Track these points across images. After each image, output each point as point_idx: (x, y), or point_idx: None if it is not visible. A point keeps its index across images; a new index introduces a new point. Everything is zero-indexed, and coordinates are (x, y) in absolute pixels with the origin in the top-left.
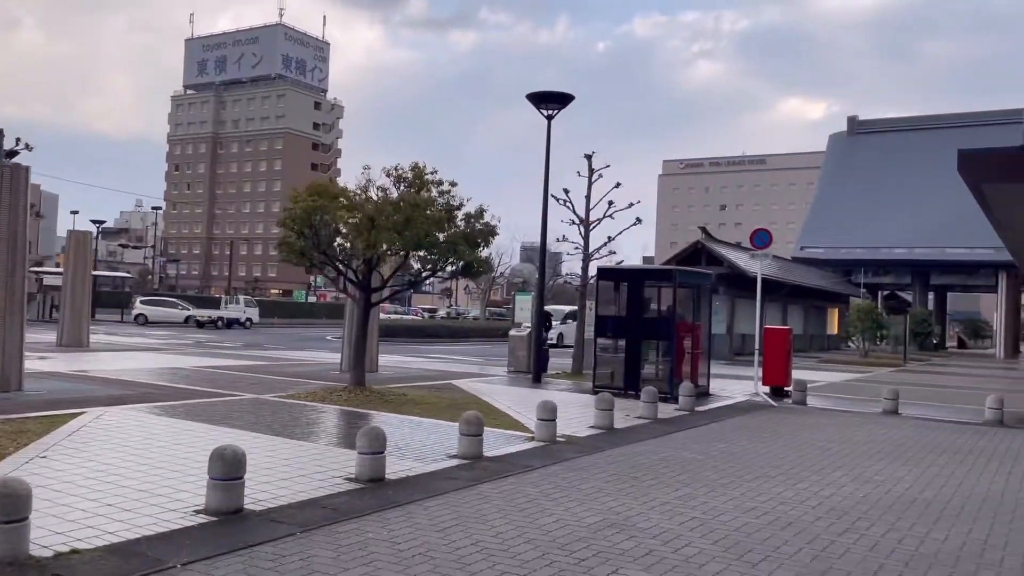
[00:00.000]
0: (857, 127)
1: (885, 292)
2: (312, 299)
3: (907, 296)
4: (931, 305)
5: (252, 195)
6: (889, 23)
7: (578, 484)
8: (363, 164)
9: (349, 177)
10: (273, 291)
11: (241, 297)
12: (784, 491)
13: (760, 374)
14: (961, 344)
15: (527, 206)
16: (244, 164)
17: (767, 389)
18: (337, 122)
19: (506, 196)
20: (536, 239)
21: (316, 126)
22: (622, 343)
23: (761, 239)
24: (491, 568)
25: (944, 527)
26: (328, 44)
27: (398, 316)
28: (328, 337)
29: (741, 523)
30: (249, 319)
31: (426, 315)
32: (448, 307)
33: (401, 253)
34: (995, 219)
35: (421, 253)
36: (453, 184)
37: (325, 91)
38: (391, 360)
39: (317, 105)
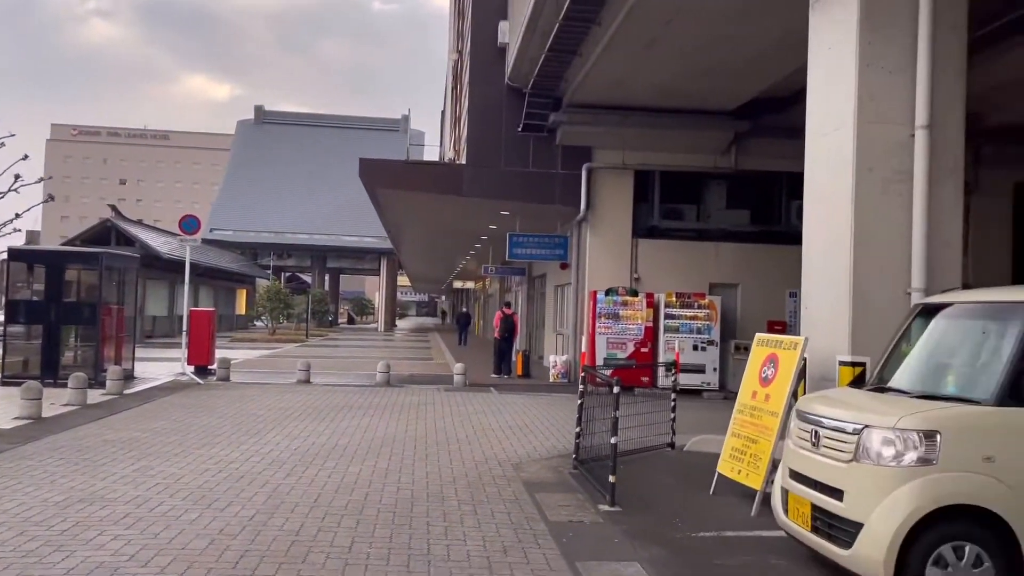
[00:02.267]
0: (264, 117)
1: (288, 274)
2: None
3: (308, 277)
4: (328, 285)
5: None
6: (291, 18)
7: (28, 472)
8: None
9: None
10: None
11: None
12: (231, 453)
13: (186, 354)
14: (350, 320)
15: None
16: None
17: (192, 368)
18: None
19: None
20: None
21: None
22: (38, 329)
23: (190, 225)
24: None
25: (358, 463)
26: None
27: None
28: None
29: (202, 481)
30: None
31: None
32: None
33: None
34: (384, 216)
35: None
36: None
37: None
38: None
39: None
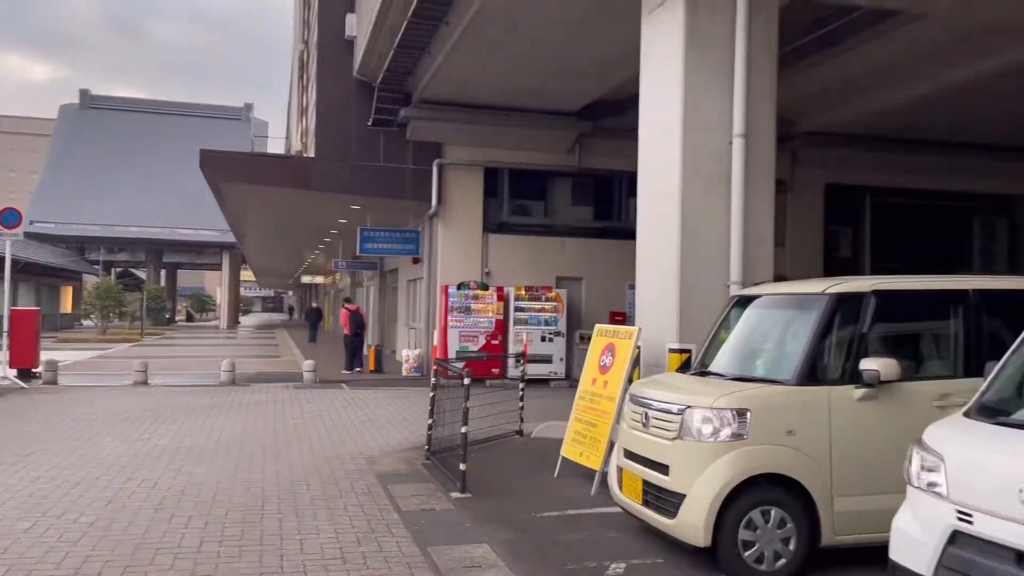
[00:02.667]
0: (90, 101)
1: (120, 269)
2: None
3: (142, 273)
4: (164, 281)
5: None
6: None
7: None
8: None
9: None
10: None
11: None
12: (64, 459)
13: (8, 357)
14: (189, 318)
15: None
16: None
17: (15, 372)
18: None
19: None
20: None
21: None
22: None
23: (10, 218)
24: None
25: (204, 464)
26: None
27: None
28: None
29: (33, 490)
30: None
31: None
32: None
33: None
34: (226, 209)
35: None
36: None
37: None
38: None
39: None
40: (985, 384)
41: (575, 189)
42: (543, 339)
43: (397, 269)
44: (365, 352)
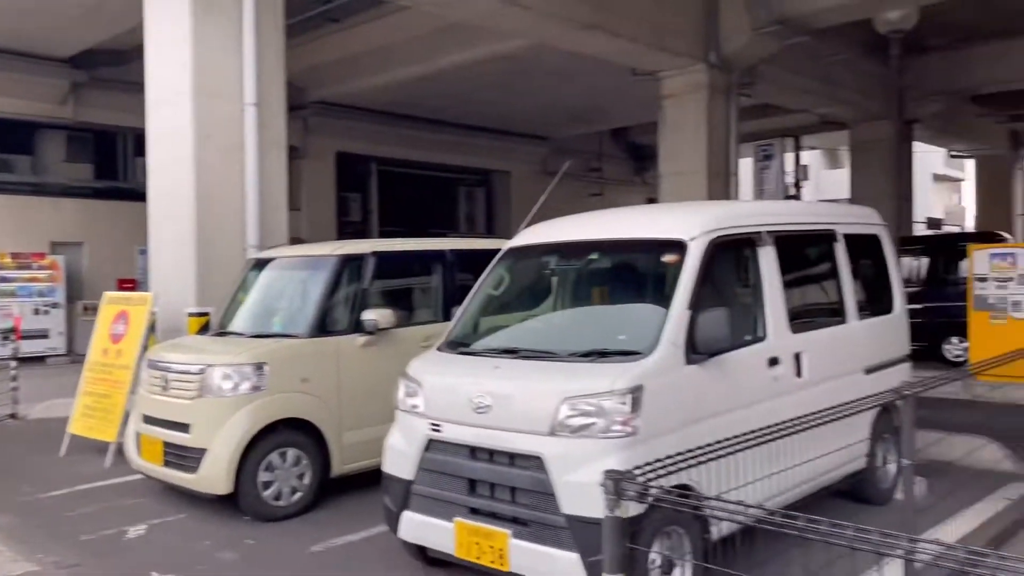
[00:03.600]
0: None
1: None
2: None
3: None
4: None
5: None
6: None
7: None
8: None
9: None
10: None
11: None
12: None
13: None
14: None
15: None
16: None
17: None
18: None
19: None
20: None
21: None
22: None
23: None
24: None
25: None
26: None
27: None
28: None
29: None
30: None
31: None
32: None
33: None
34: None
35: None
36: None
37: None
38: None
39: None
40: (452, 324)
41: (71, 144)
42: (37, 312)
43: None
44: None
